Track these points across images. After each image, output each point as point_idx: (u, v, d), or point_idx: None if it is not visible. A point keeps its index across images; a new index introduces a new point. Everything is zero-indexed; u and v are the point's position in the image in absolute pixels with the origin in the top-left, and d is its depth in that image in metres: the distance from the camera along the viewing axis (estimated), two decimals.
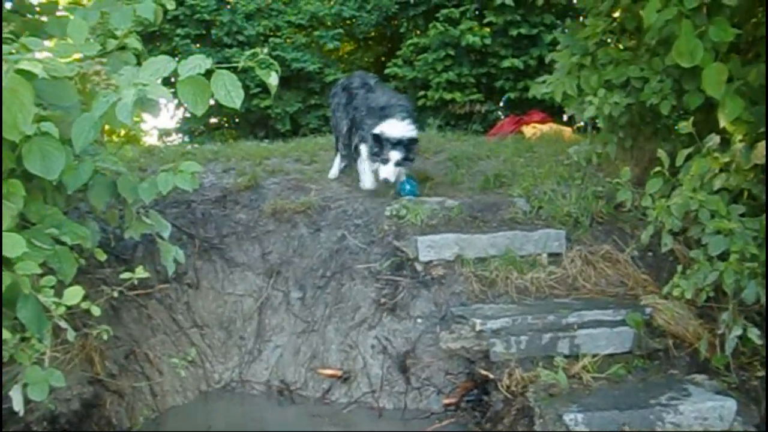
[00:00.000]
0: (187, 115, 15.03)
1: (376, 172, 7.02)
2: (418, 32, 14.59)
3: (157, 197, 4.90)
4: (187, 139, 15.36)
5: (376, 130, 6.83)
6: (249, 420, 6.08)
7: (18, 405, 4.35)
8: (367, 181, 7.21)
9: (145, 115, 3.95)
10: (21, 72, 3.41)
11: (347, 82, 7.89)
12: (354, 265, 6.49)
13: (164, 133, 15.32)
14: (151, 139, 15.00)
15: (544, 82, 6.65)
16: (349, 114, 7.49)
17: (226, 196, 7.18)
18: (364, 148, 7.15)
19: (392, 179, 6.84)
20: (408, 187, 7.11)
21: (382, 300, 6.26)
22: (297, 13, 14.92)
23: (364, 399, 6.09)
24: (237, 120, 15.32)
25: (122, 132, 11.67)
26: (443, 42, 13.45)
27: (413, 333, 6.09)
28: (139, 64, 4.61)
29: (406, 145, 6.77)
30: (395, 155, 6.75)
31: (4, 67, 3.34)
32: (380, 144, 6.78)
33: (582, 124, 8.39)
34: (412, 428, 5.66)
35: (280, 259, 6.74)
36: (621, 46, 6.40)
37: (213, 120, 15.42)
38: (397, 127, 6.82)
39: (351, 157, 7.60)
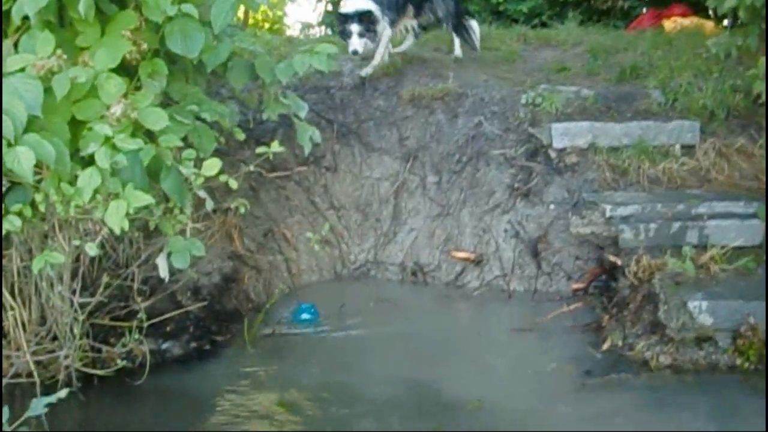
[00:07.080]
0: (329, 8, 15.12)
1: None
2: None
3: (297, 83, 4.99)
4: (329, 32, 15.49)
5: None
6: (382, 298, 6.32)
7: (164, 272, 4.74)
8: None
9: (288, 9, 4.05)
10: None
11: None
12: (489, 151, 6.63)
13: (306, 27, 15.45)
14: (293, 32, 15.23)
15: None
16: None
17: (364, 83, 7.33)
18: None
19: (360, 50, 7.01)
20: (304, 315, 5.96)
21: (516, 185, 6.42)
22: None
23: (496, 282, 6.32)
24: None
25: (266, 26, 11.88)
26: None
27: (545, 218, 6.25)
28: None
29: (359, 17, 6.94)
30: (355, 28, 6.94)
31: None
32: (343, 20, 7.10)
33: (726, 21, 8.14)
34: (541, 311, 5.81)
35: (417, 144, 6.89)
36: None
37: None
38: (352, 3, 7.13)
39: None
